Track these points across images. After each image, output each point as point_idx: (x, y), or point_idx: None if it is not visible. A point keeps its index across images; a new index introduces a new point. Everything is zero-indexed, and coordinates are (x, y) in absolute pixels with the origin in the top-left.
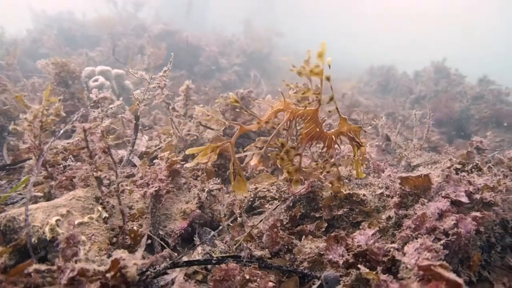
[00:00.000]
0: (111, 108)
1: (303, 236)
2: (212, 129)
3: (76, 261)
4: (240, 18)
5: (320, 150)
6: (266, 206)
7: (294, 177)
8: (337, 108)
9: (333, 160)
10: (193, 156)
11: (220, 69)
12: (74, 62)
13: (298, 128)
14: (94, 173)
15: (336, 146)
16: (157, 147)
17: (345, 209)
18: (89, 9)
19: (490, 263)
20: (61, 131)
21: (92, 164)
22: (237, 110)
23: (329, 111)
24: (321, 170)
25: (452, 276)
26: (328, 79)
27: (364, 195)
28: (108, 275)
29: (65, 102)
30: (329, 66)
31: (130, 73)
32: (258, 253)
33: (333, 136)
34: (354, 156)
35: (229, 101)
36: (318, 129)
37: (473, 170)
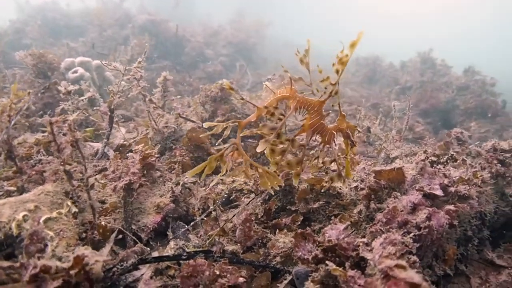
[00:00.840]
0: (82, 100)
1: (277, 230)
2: (193, 121)
3: (39, 258)
4: (228, 8)
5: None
6: (242, 199)
7: (297, 169)
8: (339, 104)
9: (332, 156)
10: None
11: (206, 59)
12: (52, 53)
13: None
14: (62, 166)
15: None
16: (134, 140)
17: (321, 202)
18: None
19: (467, 257)
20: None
21: (60, 157)
22: (217, 101)
23: (332, 105)
24: (321, 166)
25: (409, 275)
26: (337, 71)
27: (340, 188)
28: (71, 272)
29: (43, 94)
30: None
31: (103, 64)
32: (230, 248)
33: (334, 132)
34: (347, 155)
35: (222, 87)
36: (322, 122)
37: (448, 161)
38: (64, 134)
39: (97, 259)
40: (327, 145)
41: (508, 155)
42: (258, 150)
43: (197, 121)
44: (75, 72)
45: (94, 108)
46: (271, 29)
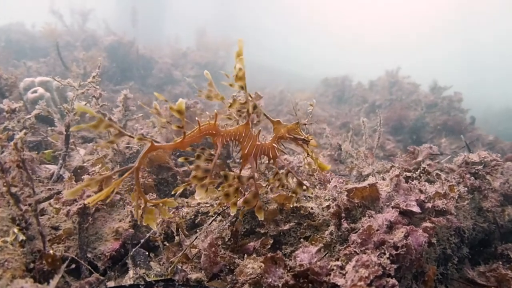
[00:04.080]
0: (28, 119)
1: (246, 255)
2: (157, 141)
3: None
4: (196, 29)
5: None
6: (208, 223)
7: (256, 204)
8: (265, 114)
9: (284, 170)
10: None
11: (173, 81)
12: (9, 73)
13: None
14: (6, 188)
15: (280, 153)
16: (88, 161)
17: (292, 224)
18: (40, 21)
19: (447, 277)
20: None
21: (3, 179)
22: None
23: (258, 121)
24: (277, 184)
25: None
26: (243, 87)
27: (311, 208)
28: None
29: None
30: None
31: (56, 80)
32: (194, 276)
33: (273, 144)
34: (307, 153)
35: (170, 109)
36: (257, 143)
37: (421, 175)
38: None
39: None
40: (275, 159)
41: (480, 167)
42: (198, 198)
43: (162, 141)
44: (35, 92)
45: (49, 128)
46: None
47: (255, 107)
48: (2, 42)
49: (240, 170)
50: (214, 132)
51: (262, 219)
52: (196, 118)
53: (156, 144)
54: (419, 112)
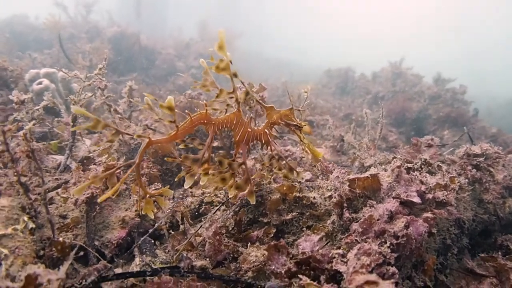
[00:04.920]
0: (37, 110)
1: (249, 244)
2: (161, 132)
3: None
4: (199, 20)
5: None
6: (212, 212)
7: (248, 189)
8: (258, 101)
9: (276, 154)
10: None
11: (177, 72)
12: (14, 64)
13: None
14: (16, 178)
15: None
16: (95, 151)
17: (294, 213)
18: (43, 12)
19: (447, 266)
20: None
21: (14, 169)
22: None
23: (250, 107)
24: (270, 169)
25: None
26: (235, 75)
27: (314, 198)
28: None
29: (5, 106)
30: (231, 62)
31: (63, 71)
32: (199, 263)
33: (266, 130)
34: (301, 140)
35: (160, 107)
36: (249, 130)
37: (422, 167)
38: (19, 144)
39: (50, 278)
40: (268, 145)
41: (481, 159)
42: (186, 186)
43: (166, 132)
44: (40, 83)
45: (57, 119)
46: (243, 41)
47: (247, 94)
48: (6, 33)
49: (234, 156)
50: (205, 121)
51: (254, 203)
52: (186, 111)
53: (153, 139)
54: (422, 104)
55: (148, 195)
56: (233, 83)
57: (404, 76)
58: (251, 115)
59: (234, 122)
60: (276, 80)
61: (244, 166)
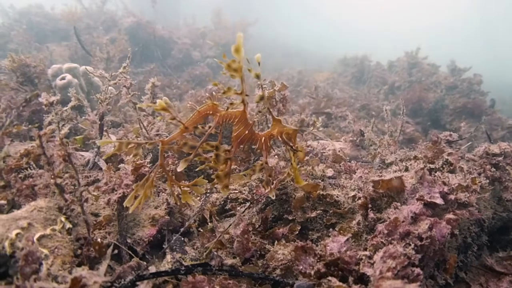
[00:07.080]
0: (65, 110)
1: (276, 241)
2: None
3: (35, 280)
4: (212, 8)
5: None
6: (237, 208)
7: (224, 182)
8: (269, 109)
9: (263, 162)
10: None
11: (193, 61)
12: (33, 58)
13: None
14: (53, 180)
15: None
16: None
17: (318, 211)
18: (59, 3)
19: (467, 264)
20: None
21: (50, 171)
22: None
23: (259, 112)
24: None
25: None
26: (258, 76)
27: (337, 196)
28: None
29: (30, 102)
30: (259, 64)
31: (89, 72)
32: (229, 261)
33: (263, 138)
34: (292, 162)
35: (155, 110)
36: (247, 131)
37: (444, 166)
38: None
39: (96, 280)
40: (261, 151)
41: (500, 158)
42: (179, 170)
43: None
44: (63, 78)
45: (83, 117)
46: (257, 29)
47: (261, 98)
48: (24, 24)
49: (231, 148)
50: (211, 112)
51: (226, 195)
52: (190, 103)
53: (165, 139)
54: (438, 94)
55: (183, 187)
56: (243, 85)
57: (420, 65)
58: (256, 119)
59: (237, 119)
60: (290, 68)
61: (229, 161)
